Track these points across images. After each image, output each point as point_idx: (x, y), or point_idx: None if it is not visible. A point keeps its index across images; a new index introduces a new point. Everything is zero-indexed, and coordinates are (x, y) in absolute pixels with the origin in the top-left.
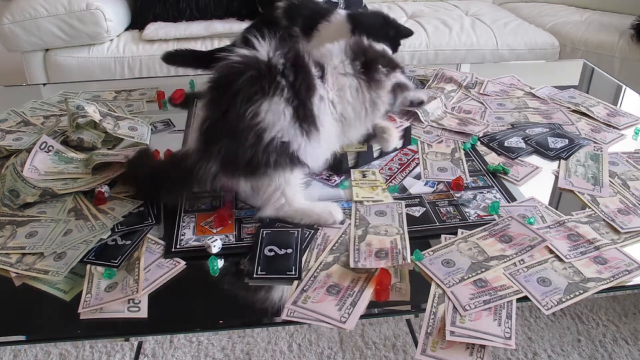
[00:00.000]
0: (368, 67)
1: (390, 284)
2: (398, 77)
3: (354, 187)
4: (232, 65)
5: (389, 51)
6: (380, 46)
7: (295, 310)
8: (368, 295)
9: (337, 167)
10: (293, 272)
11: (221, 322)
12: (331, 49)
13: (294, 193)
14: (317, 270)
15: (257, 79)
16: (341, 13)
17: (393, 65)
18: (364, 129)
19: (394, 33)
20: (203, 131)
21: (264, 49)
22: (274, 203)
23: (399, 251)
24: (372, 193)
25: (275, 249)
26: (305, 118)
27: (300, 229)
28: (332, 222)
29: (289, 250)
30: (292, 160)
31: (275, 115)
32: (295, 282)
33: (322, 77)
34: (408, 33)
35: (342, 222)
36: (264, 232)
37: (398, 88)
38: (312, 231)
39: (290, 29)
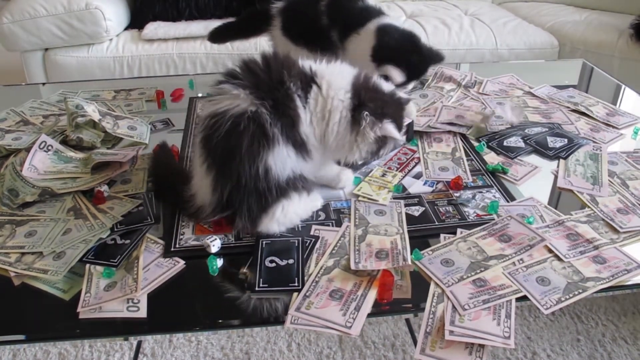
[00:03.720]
0: (357, 110)
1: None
2: (385, 128)
3: (365, 181)
4: (220, 120)
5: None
6: (388, 86)
7: (299, 316)
8: (371, 299)
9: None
10: (296, 284)
11: (220, 321)
12: (342, 75)
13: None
14: (319, 275)
15: (253, 135)
16: (373, 24)
17: (382, 114)
18: (346, 158)
19: (418, 60)
20: (214, 190)
21: (245, 95)
22: (283, 219)
23: (399, 251)
24: (374, 192)
25: (276, 259)
26: (299, 145)
27: (300, 238)
28: (319, 205)
29: (291, 261)
30: (303, 185)
31: (282, 160)
32: None
33: (305, 97)
34: (437, 59)
35: (339, 224)
36: (264, 242)
37: (383, 140)
38: (313, 240)
39: (330, 30)
